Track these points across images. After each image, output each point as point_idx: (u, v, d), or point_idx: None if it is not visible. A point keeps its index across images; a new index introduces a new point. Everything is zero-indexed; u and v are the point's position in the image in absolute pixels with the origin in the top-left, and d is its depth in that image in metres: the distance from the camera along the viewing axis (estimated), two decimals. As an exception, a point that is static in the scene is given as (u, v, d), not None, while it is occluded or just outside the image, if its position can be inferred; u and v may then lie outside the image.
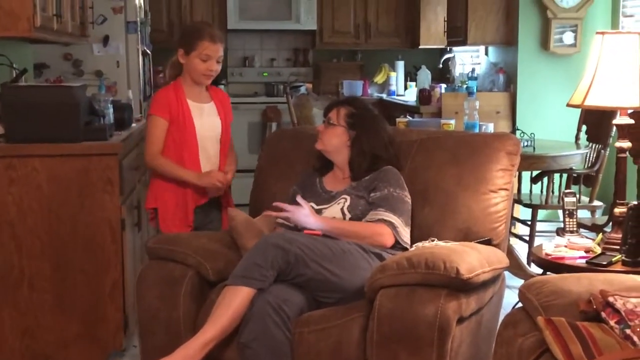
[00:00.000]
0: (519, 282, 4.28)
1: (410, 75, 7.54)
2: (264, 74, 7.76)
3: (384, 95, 7.43)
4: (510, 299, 3.30)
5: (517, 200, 4.87)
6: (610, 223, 3.14)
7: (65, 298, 3.42)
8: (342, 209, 2.92)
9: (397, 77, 7.49)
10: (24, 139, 3.35)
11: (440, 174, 3.00)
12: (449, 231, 2.92)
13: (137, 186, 3.96)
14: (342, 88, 7.44)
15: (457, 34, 6.33)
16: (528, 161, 4.40)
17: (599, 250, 2.98)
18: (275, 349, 2.51)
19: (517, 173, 4.87)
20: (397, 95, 7.39)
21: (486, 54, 6.61)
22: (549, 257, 2.99)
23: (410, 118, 5.42)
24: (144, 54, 5.67)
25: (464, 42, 6.19)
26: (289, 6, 7.36)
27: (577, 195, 3.81)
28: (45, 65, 5.44)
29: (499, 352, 2.24)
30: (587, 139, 4.98)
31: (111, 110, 3.82)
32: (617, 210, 3.02)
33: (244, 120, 7.20)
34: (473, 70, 6.62)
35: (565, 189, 4.68)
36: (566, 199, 3.18)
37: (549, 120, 5.74)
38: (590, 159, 4.89)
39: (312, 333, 2.56)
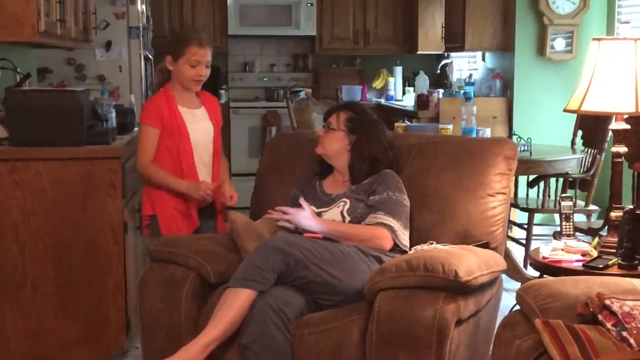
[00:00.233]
0: (516, 284, 4.28)
1: (409, 80, 7.55)
2: (264, 79, 7.77)
3: (383, 100, 7.44)
4: (507, 302, 3.29)
5: (514, 204, 4.86)
6: (606, 227, 3.14)
7: (68, 300, 3.42)
8: (341, 212, 2.92)
9: (395, 82, 7.50)
10: (27, 143, 3.34)
11: (439, 178, 3.00)
12: (448, 234, 2.92)
13: (139, 189, 3.95)
14: (341, 93, 7.45)
15: (455, 40, 6.34)
16: (525, 166, 4.40)
17: (595, 253, 2.98)
18: (275, 350, 2.51)
19: (514, 177, 4.87)
20: (396, 100, 7.39)
21: (483, 59, 6.62)
22: (547, 260, 2.99)
23: (409, 123, 5.42)
24: (146, 59, 5.68)
25: (461, 48, 6.19)
26: (288, 12, 7.37)
27: (573, 200, 3.80)
28: (49, 69, 5.45)
29: (497, 353, 2.24)
30: (583, 144, 4.99)
31: (114, 114, 3.82)
32: (613, 214, 3.02)
33: (244, 124, 7.21)
34: (470, 75, 6.62)
35: (561, 193, 4.68)
36: (563, 203, 3.18)
37: (545, 126, 5.74)
38: (586, 163, 4.89)
39: (312, 335, 2.56)
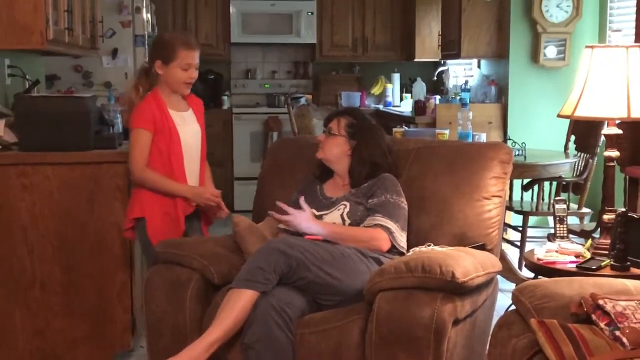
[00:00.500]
0: (511, 285, 4.27)
1: (406, 87, 7.55)
2: (266, 86, 7.77)
3: (381, 106, 7.44)
4: (502, 302, 3.29)
5: (509, 207, 4.86)
6: (599, 229, 3.14)
7: (74, 300, 3.41)
8: (341, 215, 2.92)
9: (393, 88, 7.50)
10: (36, 147, 3.34)
11: (436, 182, 3.00)
12: (445, 236, 2.91)
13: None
14: (341, 99, 7.45)
15: (451, 48, 6.34)
16: (519, 169, 4.39)
17: (588, 255, 2.97)
18: (277, 349, 2.51)
19: (509, 181, 4.87)
20: (393, 106, 7.40)
21: (479, 66, 6.62)
22: (541, 261, 2.98)
23: (406, 128, 5.43)
24: (151, 66, 5.66)
25: (457, 56, 6.19)
26: (289, 21, 7.37)
27: (567, 203, 3.80)
28: (57, 76, 5.45)
29: (493, 352, 2.23)
30: (576, 149, 4.98)
31: (120, 119, 3.82)
32: (606, 217, 3.02)
33: (246, 130, 7.21)
34: (466, 82, 6.63)
35: (555, 196, 4.68)
36: (557, 206, 3.17)
37: (539, 131, 5.75)
38: (579, 167, 4.89)
39: (313, 334, 2.55)
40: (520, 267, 4.63)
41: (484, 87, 6.26)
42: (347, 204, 2.94)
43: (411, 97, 7.12)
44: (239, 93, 7.71)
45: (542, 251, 3.04)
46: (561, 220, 3.13)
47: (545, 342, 1.99)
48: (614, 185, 3.06)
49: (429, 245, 2.82)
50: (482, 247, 2.87)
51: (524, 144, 4.70)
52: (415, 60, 7.42)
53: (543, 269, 2.95)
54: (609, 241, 2.95)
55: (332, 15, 7.53)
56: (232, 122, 7.19)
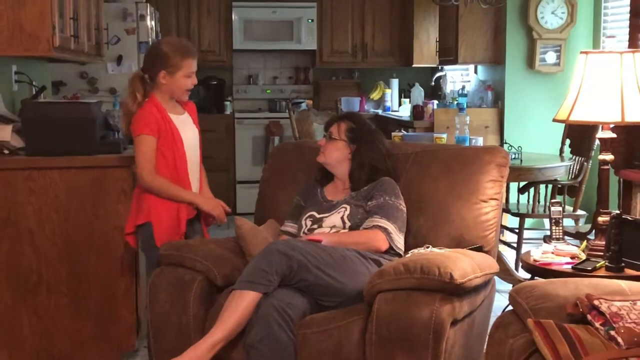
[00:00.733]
0: (508, 286, 4.27)
1: (405, 92, 7.55)
2: (267, 91, 7.77)
3: (380, 111, 7.44)
4: (500, 303, 3.29)
5: (506, 210, 4.86)
6: (594, 231, 3.13)
7: (80, 301, 3.41)
8: (342, 218, 2.92)
9: (392, 93, 7.50)
10: (43, 152, 3.35)
11: (435, 185, 3.00)
12: (443, 239, 2.91)
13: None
14: (341, 104, 7.45)
15: (448, 54, 6.35)
16: (515, 173, 4.40)
17: (583, 256, 2.97)
18: (279, 349, 2.50)
19: (506, 184, 4.87)
20: (392, 110, 7.39)
21: (475, 72, 6.62)
22: (537, 263, 2.98)
23: (405, 132, 5.43)
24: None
25: (454, 61, 6.20)
26: (290, 28, 7.38)
27: (562, 205, 3.80)
28: (63, 83, 5.46)
29: (491, 352, 2.23)
30: (571, 152, 4.98)
31: (124, 125, 3.82)
32: (601, 219, 3.02)
33: (248, 134, 7.21)
34: (463, 87, 6.63)
35: (551, 199, 4.68)
36: (552, 209, 3.17)
37: (534, 135, 5.75)
38: (574, 170, 4.89)
39: (315, 334, 2.55)
40: (516, 269, 4.63)
41: (480, 92, 6.26)
42: (347, 206, 2.94)
43: (409, 102, 7.12)
44: (241, 98, 7.71)
45: (539, 253, 3.04)
46: (557, 222, 3.13)
47: (542, 342, 1.98)
48: (609, 188, 3.06)
49: (428, 247, 2.82)
50: (479, 249, 2.87)
51: (520, 148, 4.70)
52: (414, 66, 7.42)
53: (539, 270, 2.95)
54: (603, 243, 2.94)
55: (332, 22, 7.53)
56: (234, 127, 7.18)
